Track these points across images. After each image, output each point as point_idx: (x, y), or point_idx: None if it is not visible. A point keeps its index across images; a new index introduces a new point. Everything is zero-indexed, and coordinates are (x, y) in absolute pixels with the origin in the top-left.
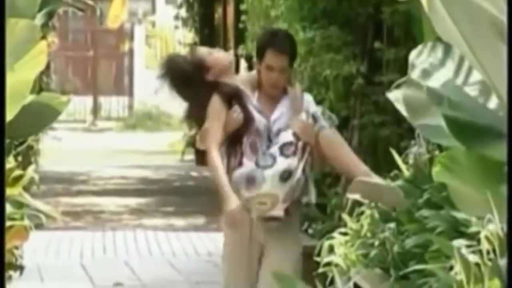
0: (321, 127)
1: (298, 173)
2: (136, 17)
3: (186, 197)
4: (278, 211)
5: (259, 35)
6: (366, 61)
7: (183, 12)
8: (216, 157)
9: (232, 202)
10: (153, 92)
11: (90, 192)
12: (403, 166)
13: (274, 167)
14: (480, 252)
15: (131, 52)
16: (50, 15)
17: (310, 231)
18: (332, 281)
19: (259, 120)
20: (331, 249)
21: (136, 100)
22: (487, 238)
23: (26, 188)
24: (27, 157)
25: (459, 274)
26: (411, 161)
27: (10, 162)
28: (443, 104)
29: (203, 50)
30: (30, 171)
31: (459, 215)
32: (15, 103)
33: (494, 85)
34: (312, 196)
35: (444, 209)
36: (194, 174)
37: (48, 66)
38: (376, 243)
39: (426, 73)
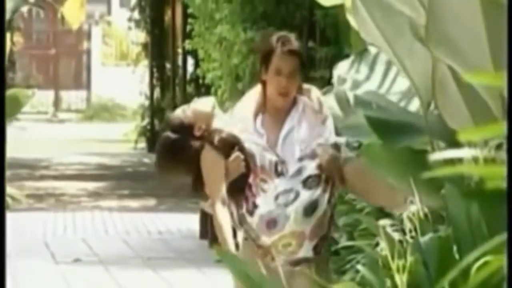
0: (346, 159)
1: (324, 205)
2: (93, 19)
3: (139, 181)
4: (307, 251)
5: (260, 41)
6: None
7: (136, 15)
8: (221, 215)
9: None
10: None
11: (51, 177)
12: None
13: (297, 201)
14: (403, 230)
15: (88, 50)
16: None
17: None
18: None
19: (263, 156)
20: None
21: (93, 93)
22: (409, 218)
23: None
24: None
25: (384, 250)
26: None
27: None
28: (370, 108)
29: (177, 112)
30: None
31: None
32: None
33: (412, 79)
34: (343, 233)
35: None
36: (146, 160)
37: (13, 63)
38: None
39: (355, 85)
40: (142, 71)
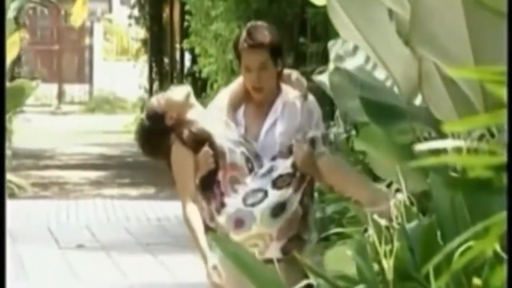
0: (319, 154)
1: (294, 205)
2: (95, 16)
3: (138, 170)
4: (274, 252)
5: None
6: (292, 53)
7: (135, 12)
8: (191, 214)
9: (210, 261)
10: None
11: (55, 166)
12: None
13: (264, 202)
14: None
15: (91, 46)
16: (19, 10)
17: None
18: None
19: (234, 152)
20: None
21: (95, 87)
22: (395, 205)
23: None
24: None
25: (372, 236)
26: (331, 139)
27: None
28: (357, 85)
29: (152, 100)
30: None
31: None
32: None
33: (391, 73)
34: (313, 233)
35: None
36: None
37: (19, 58)
38: None
39: (340, 59)
40: (141, 66)
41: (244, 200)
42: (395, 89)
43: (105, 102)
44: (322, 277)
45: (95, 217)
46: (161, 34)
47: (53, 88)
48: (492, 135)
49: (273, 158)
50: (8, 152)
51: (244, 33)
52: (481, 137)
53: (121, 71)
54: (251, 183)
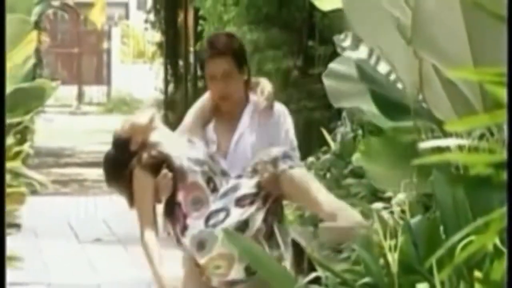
0: (282, 172)
1: (257, 223)
2: (113, 21)
3: None
4: (238, 273)
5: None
6: (301, 56)
7: (151, 17)
8: (149, 242)
9: None
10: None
11: (75, 164)
12: (331, 143)
13: (226, 222)
14: (392, 213)
15: (109, 49)
16: (40, 15)
17: None
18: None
19: (195, 172)
20: None
21: (113, 88)
22: (398, 203)
23: (23, 161)
24: (24, 135)
25: (377, 231)
26: (338, 138)
27: (9, 140)
28: (365, 77)
29: (118, 127)
30: (27, 147)
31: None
32: (10, 84)
33: (398, 74)
34: (287, 251)
35: (365, 178)
36: None
37: (41, 61)
38: None
39: (343, 50)
40: (157, 68)
41: (206, 220)
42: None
43: (123, 103)
44: (330, 271)
45: (112, 212)
46: (176, 38)
47: (73, 89)
48: (492, 134)
49: (238, 177)
50: (30, 151)
51: (206, 43)
52: (481, 136)
53: (138, 73)
54: (214, 203)
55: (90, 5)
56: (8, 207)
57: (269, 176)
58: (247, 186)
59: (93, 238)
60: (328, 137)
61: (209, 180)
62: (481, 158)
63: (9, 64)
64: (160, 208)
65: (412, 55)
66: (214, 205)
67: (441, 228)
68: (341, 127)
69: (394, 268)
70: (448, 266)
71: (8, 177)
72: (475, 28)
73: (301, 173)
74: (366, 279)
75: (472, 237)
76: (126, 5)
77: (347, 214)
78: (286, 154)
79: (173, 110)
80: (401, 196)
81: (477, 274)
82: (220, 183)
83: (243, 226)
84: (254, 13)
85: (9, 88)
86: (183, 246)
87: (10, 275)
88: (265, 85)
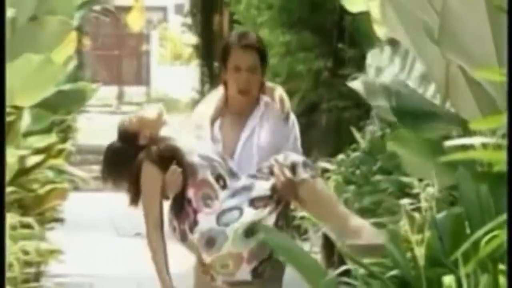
0: (301, 181)
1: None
2: (152, 24)
3: None
4: (244, 274)
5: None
6: (331, 58)
7: (188, 20)
8: (155, 242)
9: None
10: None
11: None
12: (361, 141)
13: (239, 221)
14: (419, 209)
15: (148, 51)
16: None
17: None
18: (305, 231)
19: (205, 167)
20: None
21: (152, 89)
22: (425, 199)
23: (66, 158)
24: (67, 134)
25: (405, 226)
26: (367, 136)
27: (53, 138)
28: (391, 96)
29: (123, 121)
30: (69, 145)
31: (405, 179)
32: (49, 83)
33: (431, 72)
34: None
35: (393, 174)
36: None
37: (83, 63)
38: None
39: (378, 70)
40: (193, 70)
41: (219, 218)
42: (429, 93)
43: (161, 102)
44: (359, 264)
45: None
46: (211, 40)
47: (113, 90)
48: None
49: (253, 176)
50: (72, 149)
51: (235, 35)
52: (505, 135)
53: (175, 74)
54: (226, 200)
55: (129, 10)
56: (52, 202)
57: (285, 181)
58: (262, 188)
59: (133, 232)
60: (357, 135)
61: (218, 178)
62: (504, 155)
63: (50, 65)
64: (165, 204)
65: (441, 58)
66: (226, 203)
67: (466, 223)
68: (370, 125)
69: (421, 261)
70: (473, 259)
71: (51, 174)
72: (500, 29)
73: (323, 184)
74: (394, 272)
75: (496, 232)
76: (164, 10)
77: (373, 232)
78: (306, 163)
79: None
80: (430, 190)
81: (501, 267)
82: (229, 181)
83: (254, 228)
84: (286, 17)
85: (51, 90)
86: (188, 243)
87: (54, 267)
88: (283, 93)
